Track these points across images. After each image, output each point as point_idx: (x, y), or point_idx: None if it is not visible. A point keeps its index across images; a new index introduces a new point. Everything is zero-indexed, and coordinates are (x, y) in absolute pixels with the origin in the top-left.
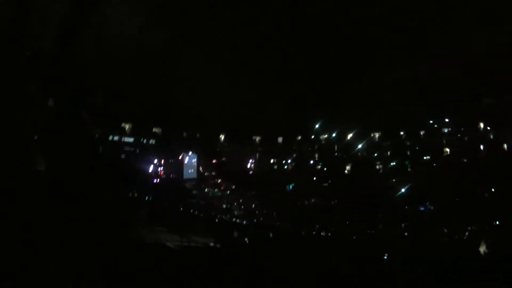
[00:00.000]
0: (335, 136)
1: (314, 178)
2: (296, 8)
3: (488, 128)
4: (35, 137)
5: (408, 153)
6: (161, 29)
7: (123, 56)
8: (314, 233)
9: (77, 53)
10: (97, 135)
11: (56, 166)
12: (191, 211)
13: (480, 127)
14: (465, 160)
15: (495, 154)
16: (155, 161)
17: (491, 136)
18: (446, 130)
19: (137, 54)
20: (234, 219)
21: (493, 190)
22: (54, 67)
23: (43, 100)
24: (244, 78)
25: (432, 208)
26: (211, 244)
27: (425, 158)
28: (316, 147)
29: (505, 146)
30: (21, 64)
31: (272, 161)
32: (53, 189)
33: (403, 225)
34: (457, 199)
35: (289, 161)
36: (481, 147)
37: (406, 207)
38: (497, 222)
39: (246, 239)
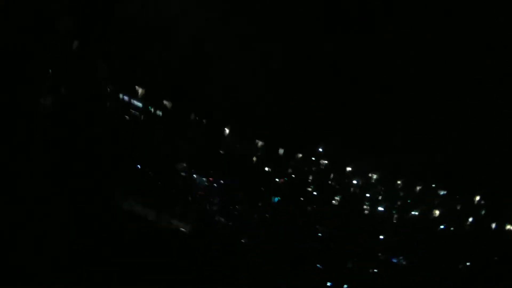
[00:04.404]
0: (336, 165)
1: (302, 199)
2: None
3: (483, 202)
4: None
5: (398, 203)
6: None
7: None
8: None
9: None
10: (108, 89)
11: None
12: (173, 191)
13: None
14: (450, 229)
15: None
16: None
17: (483, 212)
18: (441, 193)
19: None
20: (212, 210)
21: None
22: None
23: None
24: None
25: (404, 263)
26: (183, 230)
27: (413, 213)
28: (313, 169)
29: (493, 225)
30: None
31: (267, 169)
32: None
33: (370, 270)
34: (431, 264)
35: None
36: (470, 219)
37: (380, 254)
38: None
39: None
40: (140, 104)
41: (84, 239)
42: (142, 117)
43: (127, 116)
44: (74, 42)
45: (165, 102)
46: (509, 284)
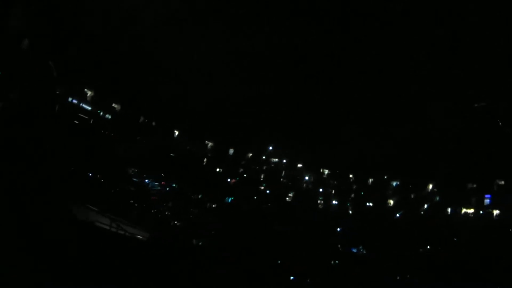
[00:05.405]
0: (286, 162)
1: (255, 198)
2: None
3: (436, 189)
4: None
5: (352, 196)
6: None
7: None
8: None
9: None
10: (57, 92)
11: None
12: (127, 198)
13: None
14: (405, 216)
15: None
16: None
17: (437, 198)
18: (394, 184)
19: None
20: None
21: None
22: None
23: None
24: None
25: (364, 252)
26: (139, 237)
27: (367, 204)
28: (264, 168)
29: (449, 210)
30: None
31: (218, 170)
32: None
33: (332, 262)
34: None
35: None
36: (425, 206)
37: (339, 245)
38: None
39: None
40: (89, 108)
41: (35, 249)
42: (91, 120)
43: (76, 121)
44: (23, 42)
45: (114, 105)
46: (469, 264)
